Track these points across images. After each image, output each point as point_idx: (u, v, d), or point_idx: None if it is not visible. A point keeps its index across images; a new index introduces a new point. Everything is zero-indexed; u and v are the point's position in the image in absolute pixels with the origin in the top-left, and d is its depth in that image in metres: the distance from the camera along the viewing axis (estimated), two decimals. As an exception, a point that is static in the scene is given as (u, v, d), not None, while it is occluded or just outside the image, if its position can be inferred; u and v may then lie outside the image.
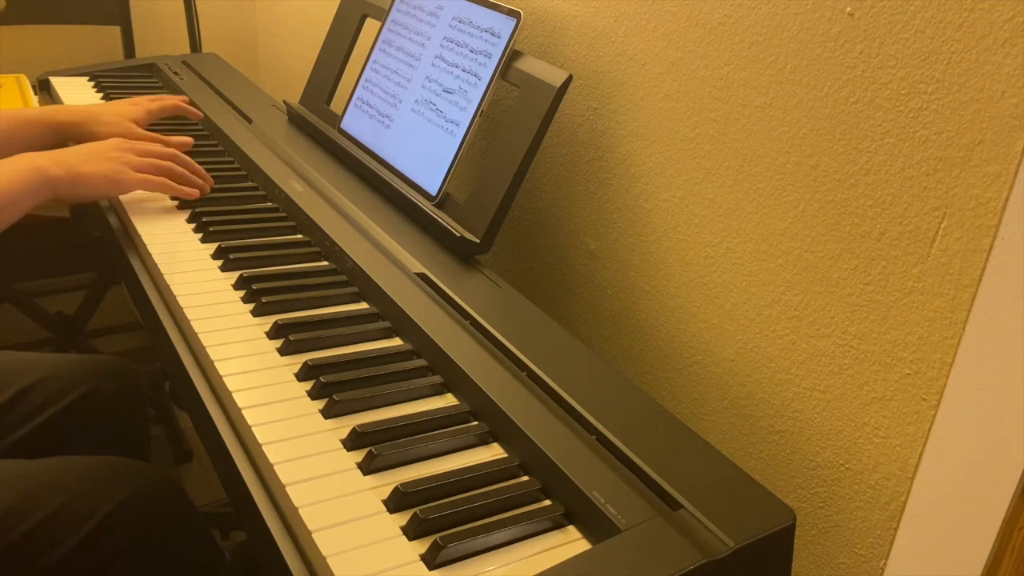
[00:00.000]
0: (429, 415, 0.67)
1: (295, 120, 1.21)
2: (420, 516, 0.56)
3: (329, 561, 0.53)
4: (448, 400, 0.71)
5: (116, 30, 1.76)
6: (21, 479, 0.78)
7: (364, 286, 0.84)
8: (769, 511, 0.58)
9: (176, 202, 0.99)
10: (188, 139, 1.08)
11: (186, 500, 0.86)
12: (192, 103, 1.21)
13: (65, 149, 0.92)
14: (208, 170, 1.07)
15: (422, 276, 0.84)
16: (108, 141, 0.95)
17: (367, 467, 0.61)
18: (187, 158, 1.00)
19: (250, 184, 1.06)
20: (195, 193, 0.96)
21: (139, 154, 0.95)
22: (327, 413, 0.66)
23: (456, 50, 0.98)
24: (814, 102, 0.72)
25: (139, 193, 0.98)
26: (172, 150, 0.99)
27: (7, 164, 0.85)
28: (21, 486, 0.77)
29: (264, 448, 0.61)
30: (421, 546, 0.55)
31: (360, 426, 0.64)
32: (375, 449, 0.62)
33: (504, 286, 0.84)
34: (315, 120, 1.17)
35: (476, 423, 0.67)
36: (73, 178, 0.88)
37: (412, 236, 0.92)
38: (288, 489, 0.58)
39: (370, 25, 1.16)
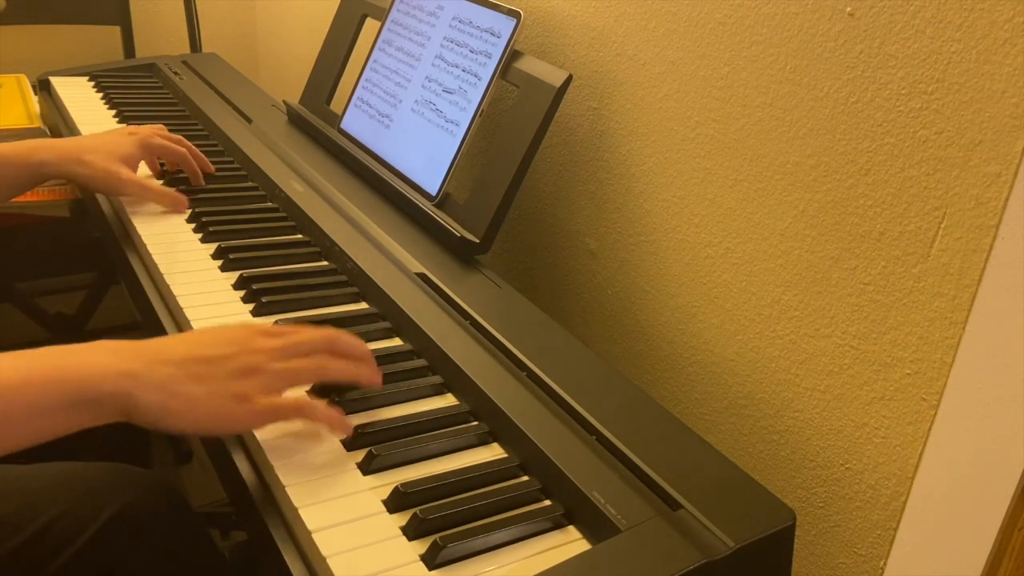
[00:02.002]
0: (429, 415, 0.67)
1: (295, 120, 1.21)
2: (420, 516, 0.56)
3: (329, 561, 0.53)
4: (448, 400, 0.71)
5: (116, 30, 1.76)
6: (20, 486, 0.78)
7: (364, 286, 0.84)
8: (769, 511, 0.58)
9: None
10: (177, 200, 0.95)
11: (186, 505, 0.86)
12: (200, 157, 1.03)
13: (170, 343, 0.60)
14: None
15: (422, 276, 0.84)
16: (235, 334, 0.61)
17: (367, 467, 0.61)
18: (351, 341, 0.65)
19: (250, 184, 1.06)
20: (346, 427, 0.63)
21: (280, 354, 0.61)
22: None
23: (456, 50, 0.98)
24: (814, 102, 0.72)
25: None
26: (328, 336, 0.64)
27: (52, 356, 0.55)
28: (20, 493, 0.77)
29: (263, 448, 0.61)
30: (421, 546, 0.55)
31: (360, 426, 0.64)
32: (375, 449, 0.62)
33: (504, 286, 0.84)
34: (315, 120, 1.17)
35: (476, 423, 0.67)
36: (164, 405, 0.56)
37: (412, 236, 0.92)
38: (288, 489, 0.58)
39: (370, 25, 1.16)
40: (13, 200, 0.96)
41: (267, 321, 0.77)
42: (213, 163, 1.07)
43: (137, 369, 0.56)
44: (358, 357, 0.65)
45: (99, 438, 0.97)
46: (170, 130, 1.18)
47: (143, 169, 1.03)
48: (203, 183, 1.02)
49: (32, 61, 1.68)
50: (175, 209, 0.96)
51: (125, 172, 0.95)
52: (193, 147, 1.03)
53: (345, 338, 0.65)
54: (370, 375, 0.65)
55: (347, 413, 0.67)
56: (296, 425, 0.64)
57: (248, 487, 0.60)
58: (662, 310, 0.91)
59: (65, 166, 0.93)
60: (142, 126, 1.03)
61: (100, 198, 1.01)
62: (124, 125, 1.15)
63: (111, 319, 1.74)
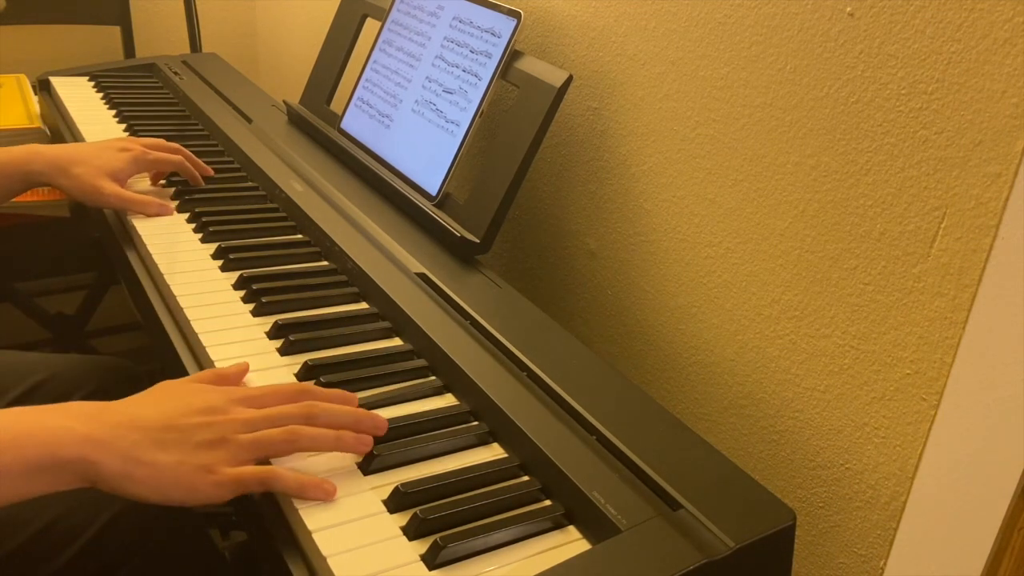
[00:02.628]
0: (429, 415, 0.67)
1: (295, 120, 1.21)
2: (420, 516, 0.56)
3: (329, 561, 0.53)
4: (448, 400, 0.71)
5: (116, 30, 1.76)
6: None
7: (364, 286, 0.84)
8: (769, 511, 0.58)
9: (176, 202, 0.99)
10: (161, 208, 0.96)
11: (185, 507, 0.85)
12: (194, 160, 1.03)
13: (137, 405, 0.59)
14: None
15: (422, 276, 0.84)
16: (206, 397, 0.60)
17: (367, 467, 0.61)
18: (326, 407, 0.62)
19: (250, 184, 1.06)
20: (318, 493, 0.58)
21: (249, 428, 0.59)
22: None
23: (456, 50, 0.98)
24: (814, 102, 0.72)
25: (139, 190, 0.97)
26: (298, 407, 0.61)
27: (38, 423, 0.54)
28: None
29: (264, 448, 0.61)
30: (421, 546, 0.55)
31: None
32: (375, 449, 0.62)
33: (504, 286, 0.84)
34: (315, 120, 1.17)
35: (476, 423, 0.67)
36: (128, 472, 0.55)
37: (412, 236, 0.92)
38: (288, 489, 0.58)
39: (370, 25, 1.16)
40: (12, 200, 0.97)
41: (267, 320, 0.77)
42: (213, 163, 1.07)
43: (101, 435, 0.55)
44: (338, 423, 0.61)
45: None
46: (170, 130, 1.18)
47: (144, 179, 1.03)
48: (203, 184, 1.02)
49: (32, 61, 1.68)
50: (160, 214, 0.96)
51: (108, 187, 0.94)
52: (190, 153, 1.03)
53: (323, 408, 0.61)
54: (352, 443, 0.61)
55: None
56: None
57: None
58: (662, 310, 0.91)
59: (52, 178, 0.94)
60: (137, 140, 1.02)
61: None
62: (124, 136, 1.15)
63: (111, 319, 1.74)
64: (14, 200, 0.98)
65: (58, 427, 0.54)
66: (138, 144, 1.01)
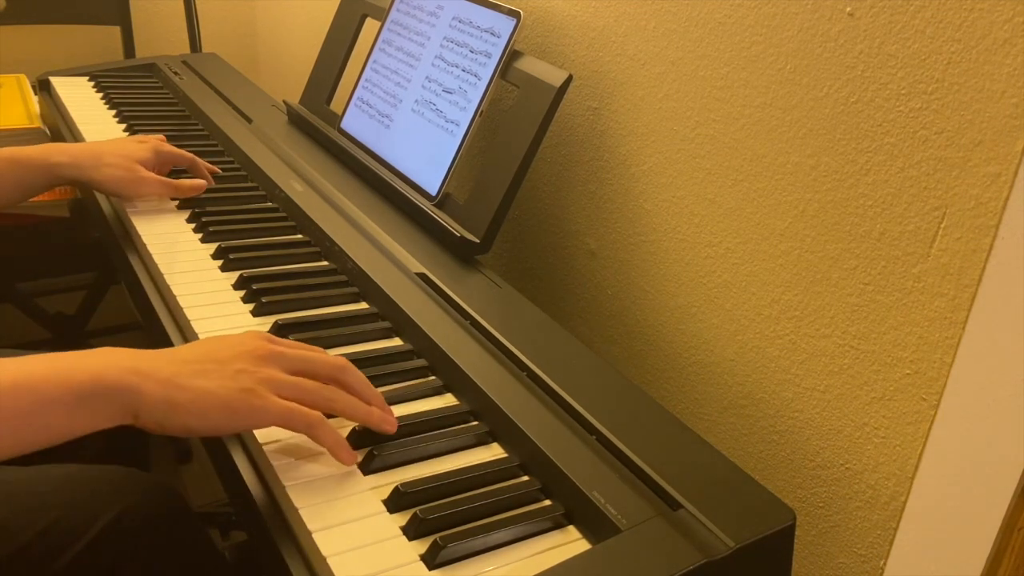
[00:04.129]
0: (429, 415, 0.67)
1: (295, 120, 1.21)
2: (420, 516, 0.56)
3: (329, 561, 0.53)
4: (448, 400, 0.71)
5: (116, 30, 1.76)
6: (19, 489, 0.77)
7: (364, 286, 0.84)
8: (769, 511, 0.58)
9: (176, 202, 0.99)
10: (202, 183, 0.98)
11: (185, 507, 0.85)
12: (208, 169, 1.04)
13: (170, 351, 0.60)
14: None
15: (422, 276, 0.84)
16: (243, 338, 0.62)
17: (367, 467, 0.61)
18: (359, 376, 0.64)
19: (250, 184, 1.06)
20: (348, 458, 0.61)
21: (288, 368, 0.61)
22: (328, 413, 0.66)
23: (456, 50, 0.98)
24: (814, 102, 0.72)
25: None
26: (338, 363, 0.63)
27: (66, 358, 0.56)
28: (20, 496, 0.76)
29: (264, 448, 0.61)
30: (421, 546, 0.55)
31: (360, 426, 0.64)
32: (375, 449, 0.62)
33: (504, 286, 0.84)
34: (315, 120, 1.17)
35: (476, 423, 0.67)
36: (171, 398, 0.56)
37: (412, 236, 0.92)
38: (288, 489, 0.58)
39: (370, 25, 1.16)
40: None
41: (267, 320, 0.77)
42: (213, 163, 1.07)
43: (143, 366, 0.56)
44: (367, 396, 0.63)
45: (99, 441, 0.97)
46: (170, 130, 1.18)
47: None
48: (213, 183, 1.03)
49: (32, 61, 1.68)
50: (198, 193, 0.98)
51: (148, 174, 0.95)
52: (195, 157, 1.04)
53: (359, 380, 0.63)
54: (381, 418, 0.62)
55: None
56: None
57: (248, 487, 0.60)
58: (662, 310, 0.91)
59: (83, 171, 0.93)
60: (149, 135, 1.03)
61: (100, 198, 1.01)
62: (129, 136, 1.15)
63: (111, 319, 1.74)
64: (14, 200, 0.98)
65: (102, 360, 0.55)
66: (151, 138, 1.02)
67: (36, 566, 0.73)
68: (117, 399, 0.55)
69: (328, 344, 0.75)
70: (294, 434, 0.63)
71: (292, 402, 0.59)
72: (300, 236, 0.95)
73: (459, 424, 0.67)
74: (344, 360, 0.64)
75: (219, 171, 1.06)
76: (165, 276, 0.82)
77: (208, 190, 1.01)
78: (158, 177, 0.97)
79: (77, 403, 0.54)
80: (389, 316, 0.80)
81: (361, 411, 0.61)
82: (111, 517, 0.76)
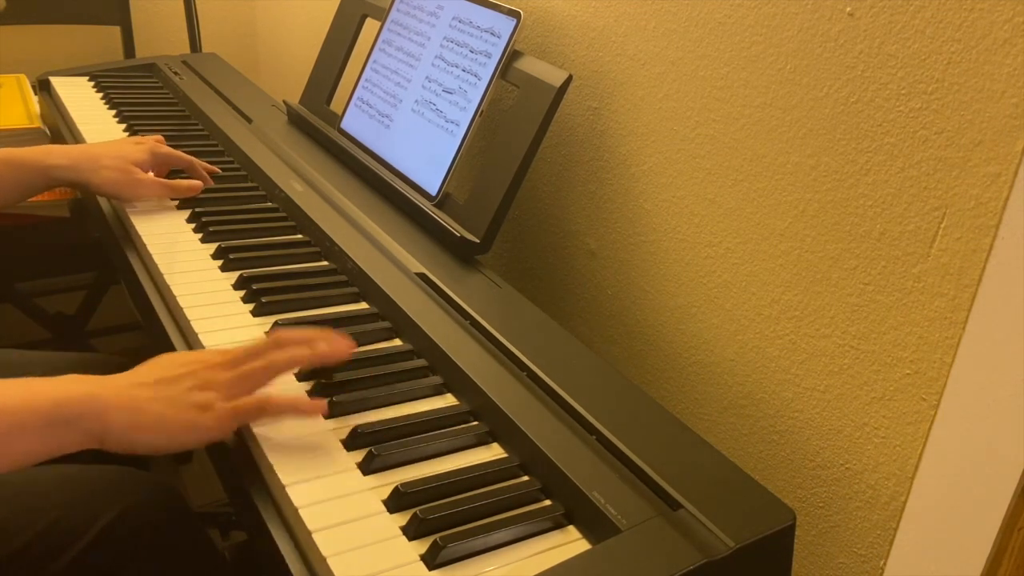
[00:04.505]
0: (429, 415, 0.67)
1: (295, 120, 1.21)
2: (420, 516, 0.56)
3: (329, 561, 0.53)
4: (448, 400, 0.71)
5: (116, 30, 1.76)
6: (18, 489, 0.77)
7: (364, 286, 0.84)
8: (769, 511, 0.58)
9: (176, 202, 0.99)
10: (198, 184, 0.99)
11: (185, 507, 0.85)
12: (207, 169, 1.04)
13: (135, 371, 0.63)
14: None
15: (422, 276, 0.84)
16: (187, 356, 0.65)
17: (367, 467, 0.61)
18: (290, 335, 0.66)
19: (250, 184, 1.06)
20: (315, 406, 0.65)
21: (231, 364, 0.64)
22: (327, 413, 0.66)
23: (456, 50, 0.98)
24: (814, 102, 0.72)
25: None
26: (269, 342, 0.65)
27: (48, 385, 0.58)
28: (18, 496, 0.76)
29: (264, 448, 0.61)
30: (421, 546, 0.55)
31: (360, 426, 0.64)
32: (375, 449, 0.62)
33: (504, 286, 0.84)
34: (315, 120, 1.17)
35: (476, 423, 0.67)
36: (134, 425, 0.59)
37: (412, 236, 0.92)
38: (288, 489, 0.58)
39: (370, 25, 1.16)
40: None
41: (267, 320, 0.77)
42: (213, 163, 1.07)
43: (105, 392, 0.59)
44: (309, 339, 0.66)
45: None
46: (170, 130, 1.18)
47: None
48: (212, 183, 1.03)
49: (32, 61, 1.68)
50: (196, 193, 0.98)
51: (145, 176, 0.96)
52: (193, 159, 1.03)
53: (286, 333, 0.66)
54: (327, 349, 0.66)
55: (348, 413, 0.67)
56: (296, 426, 0.64)
57: (248, 487, 0.60)
58: (662, 310, 0.91)
59: (80, 174, 0.93)
60: (145, 136, 1.03)
61: (100, 199, 1.01)
62: (128, 136, 1.14)
63: (111, 319, 1.74)
64: (14, 200, 0.97)
65: (67, 388, 0.58)
66: (148, 139, 1.02)
67: (36, 566, 0.73)
68: (81, 425, 0.57)
69: (328, 344, 0.75)
70: (294, 434, 0.63)
71: (242, 398, 0.62)
72: (300, 236, 0.95)
73: (459, 424, 0.67)
74: (274, 335, 0.66)
75: (219, 171, 1.06)
76: (165, 276, 0.82)
77: (208, 190, 1.01)
78: (155, 179, 0.97)
79: (45, 428, 0.56)
80: (389, 316, 0.80)
81: (303, 356, 0.65)
82: (111, 517, 0.76)
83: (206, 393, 0.61)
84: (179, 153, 1.02)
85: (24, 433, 0.56)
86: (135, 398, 0.59)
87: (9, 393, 0.56)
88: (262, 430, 0.63)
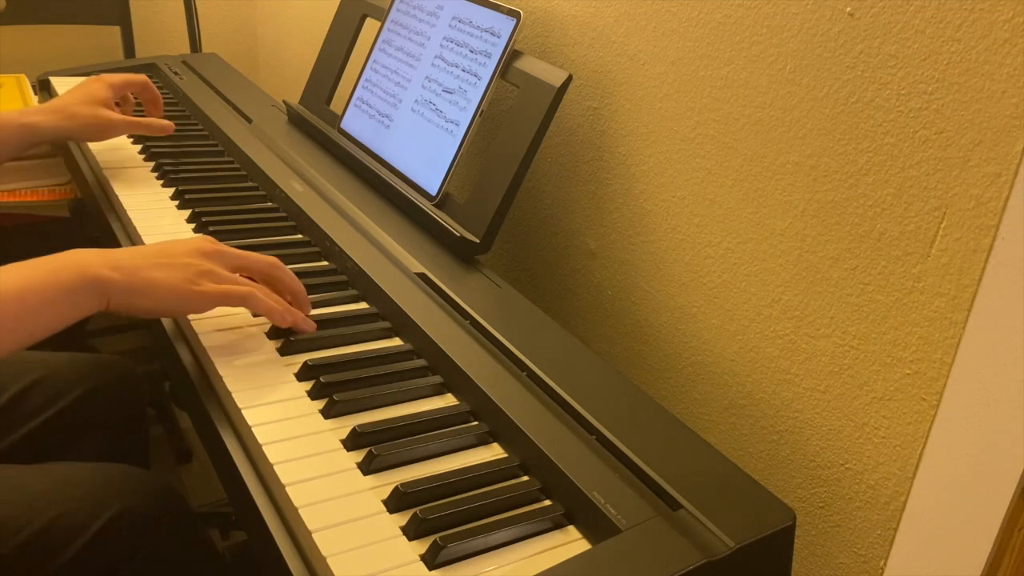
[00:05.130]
0: (429, 415, 0.67)
1: (295, 120, 1.21)
2: (420, 516, 0.56)
3: (329, 561, 0.53)
4: (448, 400, 0.71)
5: (116, 30, 1.76)
6: (18, 487, 0.78)
7: (364, 286, 0.84)
8: (769, 511, 0.58)
9: (176, 201, 0.99)
10: (170, 124, 1.08)
11: (185, 507, 0.86)
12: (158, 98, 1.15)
13: (131, 249, 0.72)
14: (208, 170, 1.08)
15: (422, 276, 0.84)
16: (190, 241, 0.74)
17: (367, 467, 0.61)
18: (289, 273, 0.77)
19: (250, 184, 1.06)
20: (289, 320, 0.74)
21: (228, 266, 0.74)
22: (327, 413, 0.66)
23: (456, 50, 0.98)
24: (814, 102, 0.72)
25: (138, 193, 0.97)
26: (270, 260, 0.76)
27: (47, 261, 0.67)
28: (18, 495, 0.77)
29: (264, 448, 0.61)
30: (421, 546, 0.55)
31: (360, 426, 0.64)
32: (375, 449, 0.62)
33: (504, 286, 0.84)
34: (315, 120, 1.17)
35: (476, 423, 0.67)
36: (133, 285, 0.68)
37: (412, 236, 0.92)
38: (288, 489, 0.58)
39: (370, 25, 1.16)
40: (13, 199, 0.97)
41: (267, 321, 0.77)
42: (213, 163, 1.07)
43: (112, 261, 0.68)
44: (294, 291, 0.76)
45: (98, 439, 0.97)
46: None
47: (147, 196, 1.04)
48: (163, 111, 1.14)
49: (32, 61, 1.68)
50: (164, 132, 1.08)
51: (113, 116, 1.03)
52: (145, 78, 1.12)
53: (286, 268, 0.76)
54: (293, 323, 0.74)
55: (347, 413, 0.67)
56: (296, 426, 0.64)
57: (248, 487, 0.60)
58: (662, 310, 0.91)
59: (55, 123, 0.99)
60: (100, 74, 1.10)
61: (99, 194, 1.01)
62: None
63: (111, 319, 1.74)
64: (14, 200, 0.98)
65: (83, 258, 0.67)
66: (102, 76, 1.08)
67: (36, 564, 0.74)
68: (96, 289, 0.66)
69: (328, 344, 0.75)
70: (294, 434, 0.63)
71: (229, 286, 0.71)
72: (300, 236, 0.95)
73: (459, 424, 0.67)
74: (275, 258, 0.76)
75: (172, 127, 1.10)
76: (165, 276, 0.82)
77: (208, 190, 1.01)
78: (125, 118, 1.05)
79: (68, 297, 0.65)
80: (389, 316, 0.80)
81: (276, 314, 0.73)
82: (111, 515, 0.77)
83: (198, 273, 0.71)
84: (132, 78, 1.09)
85: (53, 305, 0.65)
86: (137, 267, 0.69)
87: (35, 272, 0.65)
88: (263, 432, 0.63)
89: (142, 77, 1.11)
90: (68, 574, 0.74)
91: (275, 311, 0.73)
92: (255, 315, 0.76)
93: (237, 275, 0.74)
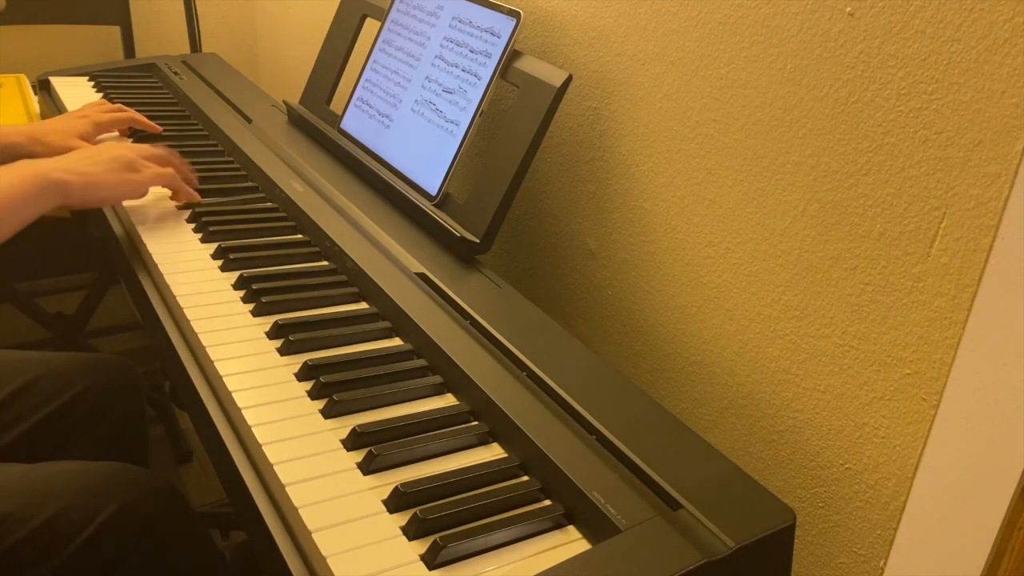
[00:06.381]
0: (429, 415, 0.67)
1: (295, 120, 1.21)
2: (420, 516, 0.56)
3: (329, 561, 0.53)
4: (448, 400, 0.71)
5: (116, 30, 1.76)
6: (18, 484, 0.78)
7: (364, 286, 0.84)
8: (769, 511, 0.58)
9: (176, 202, 0.99)
10: (155, 127, 1.15)
11: (184, 504, 0.86)
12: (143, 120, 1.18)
13: (64, 156, 0.89)
14: (208, 170, 1.08)
15: (422, 276, 0.84)
16: (105, 145, 0.93)
17: (367, 467, 0.61)
18: (182, 158, 0.99)
19: (250, 184, 1.06)
20: (196, 195, 0.96)
21: (143, 155, 0.93)
22: (327, 413, 0.66)
23: (456, 50, 0.98)
24: (814, 102, 0.72)
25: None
26: (168, 149, 0.98)
27: (7, 170, 0.81)
28: (18, 491, 0.77)
29: (264, 448, 0.61)
30: (421, 546, 0.55)
31: (360, 426, 0.64)
32: (375, 449, 0.62)
33: (504, 286, 0.84)
34: (315, 120, 1.17)
35: (476, 423, 0.67)
36: (87, 182, 0.85)
37: (412, 236, 0.92)
38: (288, 489, 0.58)
39: (370, 25, 1.16)
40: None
41: (267, 320, 0.77)
42: (213, 163, 1.07)
43: (65, 166, 0.85)
44: (187, 175, 0.98)
45: (97, 438, 0.97)
46: (170, 130, 1.19)
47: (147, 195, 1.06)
48: (160, 131, 1.16)
49: (32, 61, 1.68)
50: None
51: (80, 146, 1.05)
52: (133, 112, 1.16)
53: (176, 158, 0.97)
54: (192, 196, 0.97)
55: (347, 413, 0.67)
56: (296, 426, 0.64)
57: (248, 487, 0.60)
58: (662, 310, 0.91)
59: (28, 146, 1.03)
60: (90, 106, 1.13)
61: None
62: (75, 109, 1.18)
63: (111, 319, 1.74)
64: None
65: (39, 166, 0.83)
66: (92, 110, 1.11)
67: (35, 561, 0.74)
68: (58, 189, 0.82)
69: (328, 344, 0.75)
70: (294, 434, 0.63)
71: (158, 169, 0.92)
72: (300, 236, 0.95)
73: (459, 424, 0.67)
74: (170, 154, 0.97)
75: (160, 130, 1.16)
76: (165, 276, 0.82)
77: (208, 190, 1.01)
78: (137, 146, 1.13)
79: (38, 195, 0.81)
80: (389, 316, 0.80)
81: (183, 193, 0.96)
82: (110, 513, 0.77)
83: (130, 161, 0.90)
84: (117, 116, 1.12)
85: (29, 202, 0.80)
86: (87, 168, 0.86)
87: (7, 177, 0.79)
88: (263, 432, 0.63)
89: (128, 113, 1.15)
90: (68, 571, 0.75)
91: (183, 189, 0.95)
92: (174, 201, 0.97)
93: (150, 163, 0.93)
